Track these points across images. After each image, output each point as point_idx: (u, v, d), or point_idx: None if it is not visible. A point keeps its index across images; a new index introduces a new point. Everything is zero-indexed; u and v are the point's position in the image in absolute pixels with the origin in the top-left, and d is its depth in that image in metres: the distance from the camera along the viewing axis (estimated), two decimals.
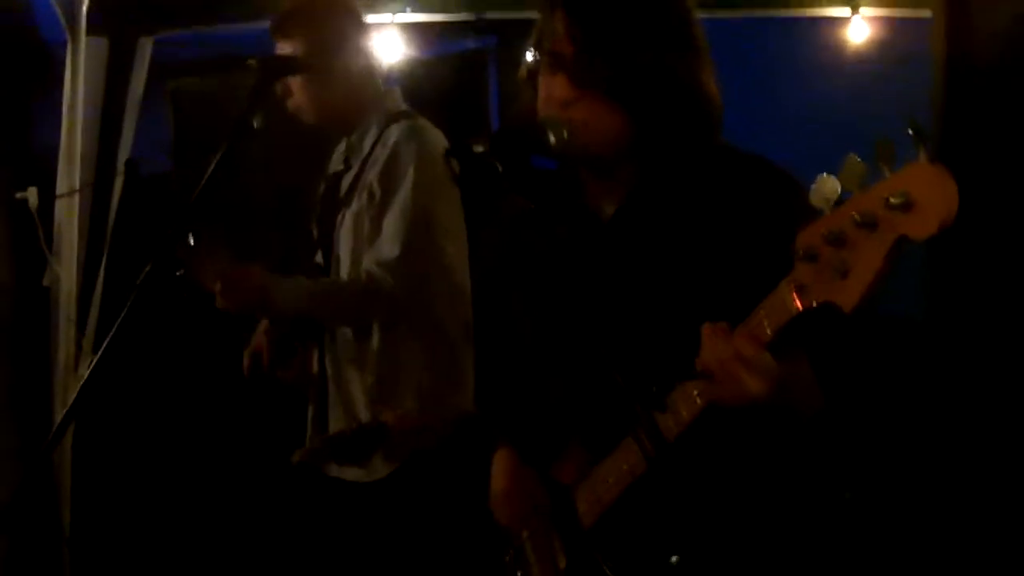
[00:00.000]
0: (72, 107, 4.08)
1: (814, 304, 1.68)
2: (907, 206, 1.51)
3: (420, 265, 3.30)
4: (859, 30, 5.18)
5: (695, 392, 1.88)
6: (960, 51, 3.61)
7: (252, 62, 2.81)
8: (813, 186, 1.64)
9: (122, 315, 2.50)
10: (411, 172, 3.27)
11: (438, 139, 3.36)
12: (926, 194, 1.50)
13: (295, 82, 3.33)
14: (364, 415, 3.35)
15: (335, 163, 3.57)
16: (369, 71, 3.48)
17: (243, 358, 3.49)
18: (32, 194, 4.13)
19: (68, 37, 4.06)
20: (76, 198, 4.07)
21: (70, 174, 4.08)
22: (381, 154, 3.35)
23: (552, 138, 2.03)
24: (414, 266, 3.28)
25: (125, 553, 4.75)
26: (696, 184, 2.03)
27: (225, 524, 4.97)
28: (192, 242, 2.98)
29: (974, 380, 3.67)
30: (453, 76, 5.79)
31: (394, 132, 3.36)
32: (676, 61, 2.02)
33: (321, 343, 3.46)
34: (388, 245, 3.27)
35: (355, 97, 3.42)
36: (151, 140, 4.80)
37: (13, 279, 4.53)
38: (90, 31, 4.04)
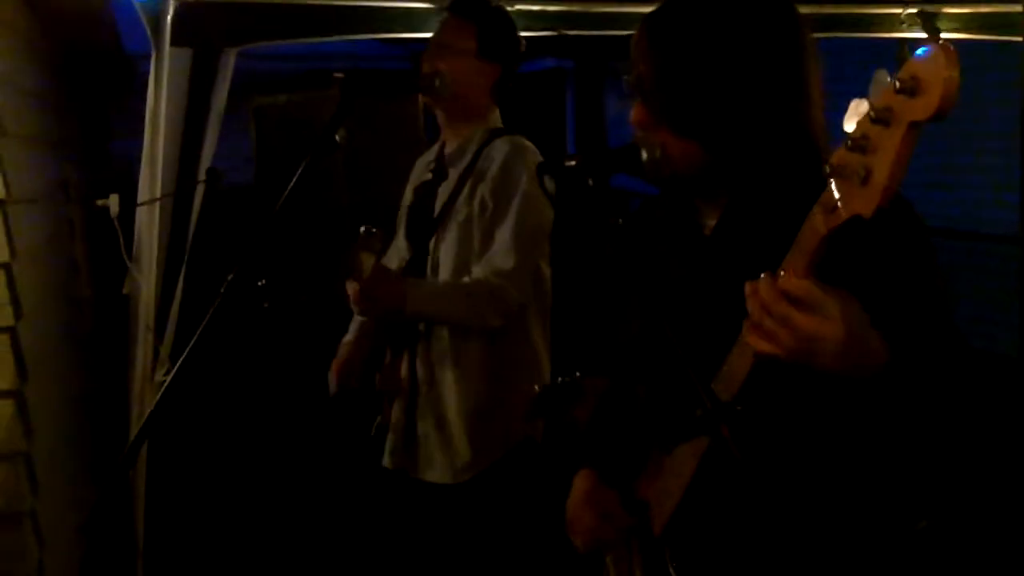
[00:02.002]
0: (155, 117, 4.11)
1: (843, 218, 1.61)
2: (913, 90, 1.49)
3: (528, 278, 3.42)
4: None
5: (746, 348, 1.81)
6: None
7: (338, 75, 2.83)
8: (848, 111, 1.63)
9: (203, 323, 2.51)
10: (523, 187, 3.38)
11: (537, 156, 3.45)
12: (930, 72, 1.48)
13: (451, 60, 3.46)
14: (455, 420, 3.43)
15: (421, 173, 3.66)
16: (480, 86, 3.56)
17: (330, 371, 3.59)
18: (113, 202, 4.17)
19: (152, 48, 4.09)
20: (157, 207, 4.10)
21: (152, 183, 4.11)
22: (489, 167, 3.44)
23: (644, 158, 2.04)
24: (528, 278, 3.42)
25: (203, 562, 4.78)
26: (795, 202, 1.98)
27: (307, 532, 4.99)
28: (364, 233, 3.05)
29: None
30: (532, 94, 5.81)
31: (500, 147, 3.47)
32: (755, 97, 1.99)
33: (413, 349, 3.53)
34: (503, 256, 3.37)
35: (480, 98, 3.55)
36: (233, 151, 4.84)
37: (93, 287, 4.58)
38: (174, 42, 4.06)
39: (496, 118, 3.61)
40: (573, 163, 2.07)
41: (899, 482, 1.99)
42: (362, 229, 3.13)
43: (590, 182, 2.03)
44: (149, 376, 4.16)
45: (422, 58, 3.56)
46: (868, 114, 1.54)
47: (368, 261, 3.15)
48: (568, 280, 3.62)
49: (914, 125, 1.50)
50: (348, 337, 3.68)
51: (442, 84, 3.42)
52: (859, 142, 1.56)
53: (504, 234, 3.38)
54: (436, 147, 3.69)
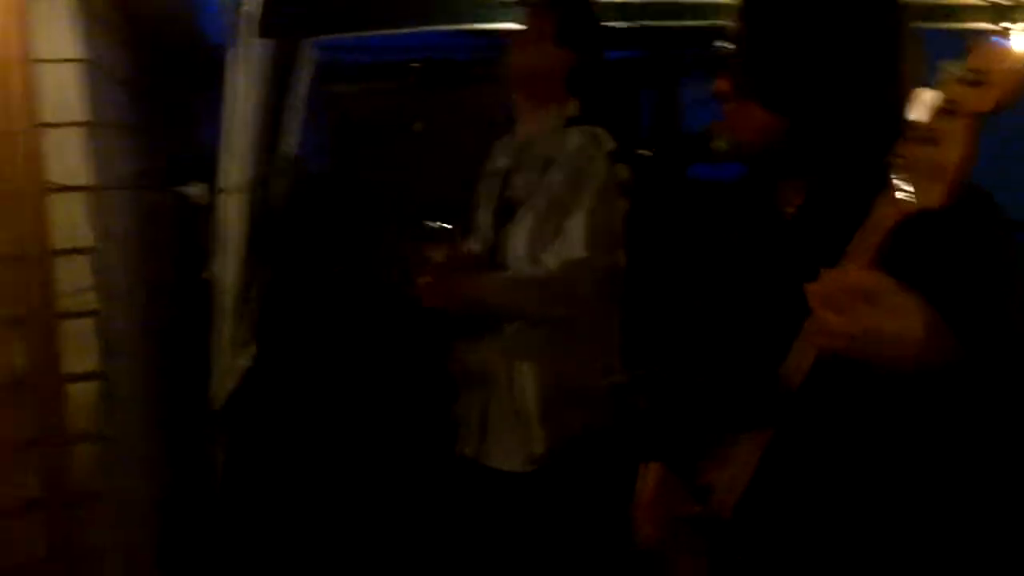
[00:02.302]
0: (235, 106, 4.18)
1: (910, 210, 1.61)
2: (976, 81, 1.50)
3: (600, 268, 3.41)
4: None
5: (808, 343, 1.81)
6: None
7: (415, 66, 2.87)
8: (912, 101, 1.62)
9: (282, 310, 2.57)
10: (596, 177, 3.38)
11: (612, 145, 3.45)
12: (995, 64, 1.50)
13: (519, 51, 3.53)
14: (527, 409, 3.44)
15: (498, 160, 3.68)
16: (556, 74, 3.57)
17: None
18: (196, 189, 4.24)
19: (233, 38, 4.15)
20: (238, 195, 4.17)
21: (232, 171, 4.18)
22: (564, 156, 3.45)
23: (717, 144, 2.05)
24: (596, 269, 3.40)
25: (280, 540, 4.83)
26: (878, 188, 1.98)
27: (380, 517, 5.03)
28: (434, 227, 3.09)
29: None
30: (607, 84, 5.81)
31: (576, 135, 3.48)
32: (847, 73, 1.98)
33: (486, 336, 3.54)
34: (575, 246, 3.37)
35: (551, 87, 3.55)
36: (311, 141, 4.90)
37: (176, 273, 4.66)
38: (255, 33, 4.13)
39: (573, 107, 3.59)
40: (647, 152, 2.07)
41: (966, 479, 1.96)
42: (428, 224, 3.14)
43: (662, 172, 2.03)
44: (229, 361, 4.23)
45: (506, 46, 3.60)
46: (936, 105, 1.55)
47: (437, 254, 3.17)
48: (643, 269, 3.61)
49: (978, 116, 1.51)
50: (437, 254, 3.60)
51: (520, 71, 3.47)
52: (925, 133, 1.57)
53: (577, 224, 3.38)
54: (513, 134, 3.70)
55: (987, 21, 5.17)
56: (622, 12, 4.86)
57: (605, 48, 3.70)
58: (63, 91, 3.39)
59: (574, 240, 3.38)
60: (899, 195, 1.63)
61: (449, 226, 3.16)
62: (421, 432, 4.38)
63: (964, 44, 1.54)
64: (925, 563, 1.99)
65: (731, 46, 2.06)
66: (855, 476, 1.98)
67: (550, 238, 3.43)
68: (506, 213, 3.55)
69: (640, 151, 2.11)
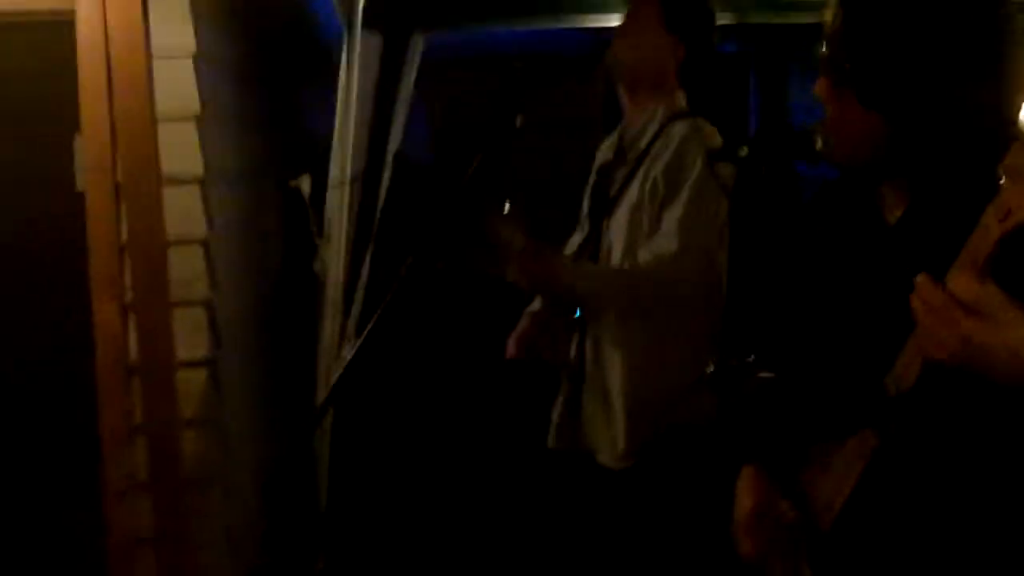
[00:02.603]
0: (346, 100, 4.23)
1: (1016, 223, 1.55)
2: None
3: (697, 263, 3.34)
4: None
5: (915, 353, 1.76)
6: None
7: (517, 63, 2.88)
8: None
9: (384, 302, 2.60)
10: (695, 172, 3.31)
11: (716, 140, 3.39)
12: None
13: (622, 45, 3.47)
14: (618, 401, 3.41)
15: (604, 154, 3.64)
16: (665, 65, 3.52)
17: (507, 342, 3.59)
18: (305, 182, 4.30)
19: (345, 32, 4.20)
20: (346, 188, 4.21)
21: (342, 164, 4.23)
22: (664, 150, 3.39)
23: (819, 144, 2.02)
24: (692, 263, 3.33)
25: (378, 530, 4.88)
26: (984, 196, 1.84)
27: (478, 504, 5.06)
28: (506, 210, 3.10)
29: None
30: (714, 78, 5.78)
31: (678, 129, 3.41)
32: (947, 71, 1.90)
33: (583, 327, 3.51)
34: (668, 240, 3.31)
35: (657, 78, 3.50)
36: (417, 134, 4.93)
37: (284, 263, 4.73)
38: (366, 25, 4.17)
39: (680, 99, 3.53)
40: (746, 150, 2.06)
41: None
42: (507, 205, 3.15)
43: (763, 170, 2.01)
44: (336, 351, 4.28)
45: (614, 37, 3.54)
46: None
47: (515, 234, 3.17)
48: (743, 268, 3.57)
49: None
50: (533, 307, 3.66)
51: (627, 60, 3.45)
52: None
53: (672, 218, 3.32)
54: (619, 128, 3.64)
55: None
56: (730, 5, 4.85)
57: (716, 38, 3.63)
58: (178, 84, 3.47)
59: (668, 235, 3.32)
60: (1006, 205, 1.57)
61: (514, 208, 3.15)
62: (520, 424, 4.40)
63: None
64: None
65: (827, 47, 2.03)
66: (962, 491, 1.91)
67: (645, 232, 3.38)
68: (605, 206, 3.52)
69: (739, 150, 2.07)
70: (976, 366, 1.65)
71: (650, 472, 3.40)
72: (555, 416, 3.62)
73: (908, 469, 1.90)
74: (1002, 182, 1.58)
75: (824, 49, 2.02)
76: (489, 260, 3.25)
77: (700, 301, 3.41)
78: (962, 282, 1.64)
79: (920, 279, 1.70)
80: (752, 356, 2.67)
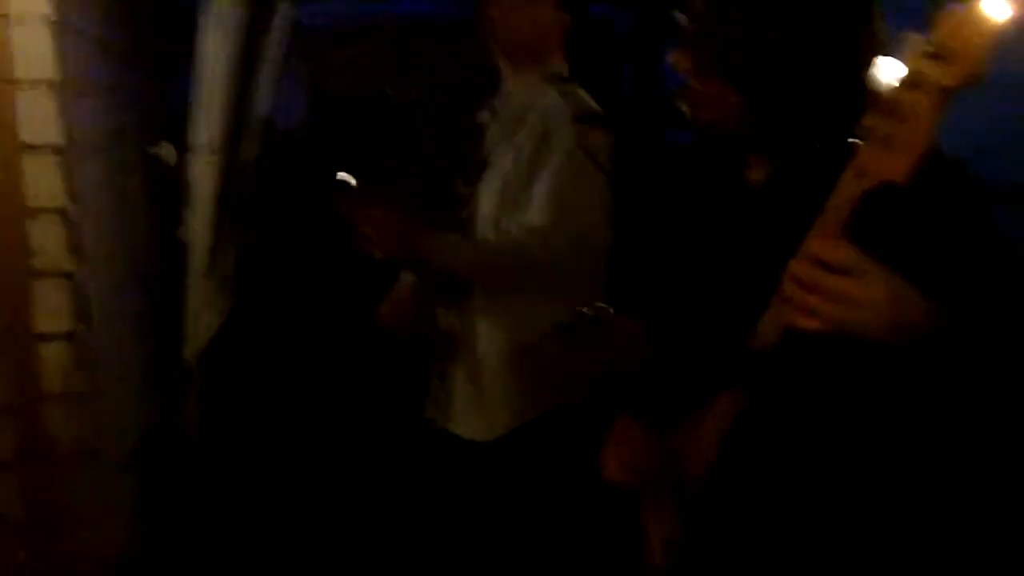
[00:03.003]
0: (207, 67, 4.16)
1: (873, 183, 1.60)
2: (943, 55, 1.49)
3: (565, 233, 3.29)
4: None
5: (781, 317, 1.79)
6: None
7: (387, 28, 2.84)
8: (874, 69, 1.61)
9: (254, 271, 2.57)
10: (565, 142, 3.26)
11: (590, 107, 3.36)
12: (960, 38, 1.48)
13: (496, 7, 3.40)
14: (488, 376, 3.40)
15: (483, 118, 3.59)
16: (546, 30, 3.47)
17: (380, 309, 3.55)
18: (167, 149, 4.24)
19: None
20: (207, 156, 4.16)
21: (204, 132, 4.18)
22: (534, 117, 3.35)
23: (686, 110, 2.04)
24: (560, 234, 3.27)
25: (247, 503, 4.85)
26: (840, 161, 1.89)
27: (344, 476, 5.05)
28: (354, 184, 3.05)
29: None
30: (588, 42, 5.79)
31: (551, 97, 3.37)
32: (809, 50, 1.93)
33: (457, 299, 3.48)
34: (538, 212, 3.27)
35: (536, 42, 3.44)
36: (286, 103, 4.88)
37: (148, 232, 4.65)
38: None
39: (557, 64, 3.48)
40: (611, 115, 2.07)
41: (943, 455, 1.94)
42: (352, 181, 3.09)
43: (629, 133, 2.02)
44: (202, 319, 4.23)
45: (483, 3, 3.46)
46: (900, 80, 1.53)
47: (366, 210, 3.13)
48: (623, 235, 3.56)
49: (945, 92, 1.50)
50: (406, 277, 3.59)
51: (512, 34, 3.40)
52: (889, 106, 1.55)
53: (541, 190, 3.27)
54: (499, 92, 3.57)
55: None
56: None
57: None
58: (34, 48, 3.38)
59: (536, 207, 3.28)
60: (863, 167, 1.61)
61: (351, 179, 3.09)
62: (394, 395, 4.39)
63: (931, 11, 1.52)
64: (897, 537, 1.98)
65: (687, 18, 2.04)
66: (823, 448, 1.96)
67: (515, 202, 3.34)
68: (478, 171, 3.48)
69: (607, 114, 2.08)
70: (846, 328, 1.67)
71: (521, 447, 3.39)
72: (432, 387, 3.59)
73: (770, 431, 1.94)
74: (858, 147, 1.61)
75: (684, 21, 2.03)
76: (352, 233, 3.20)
77: (575, 274, 3.37)
78: (823, 244, 1.67)
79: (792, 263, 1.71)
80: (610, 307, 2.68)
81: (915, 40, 1.53)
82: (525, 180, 3.32)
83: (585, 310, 2.68)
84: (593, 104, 3.38)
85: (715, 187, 2.21)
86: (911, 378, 1.75)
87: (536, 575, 3.40)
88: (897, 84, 1.55)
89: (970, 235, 1.88)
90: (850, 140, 1.66)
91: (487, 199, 3.41)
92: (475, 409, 3.46)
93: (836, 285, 1.65)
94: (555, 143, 3.28)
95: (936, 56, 1.49)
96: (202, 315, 4.24)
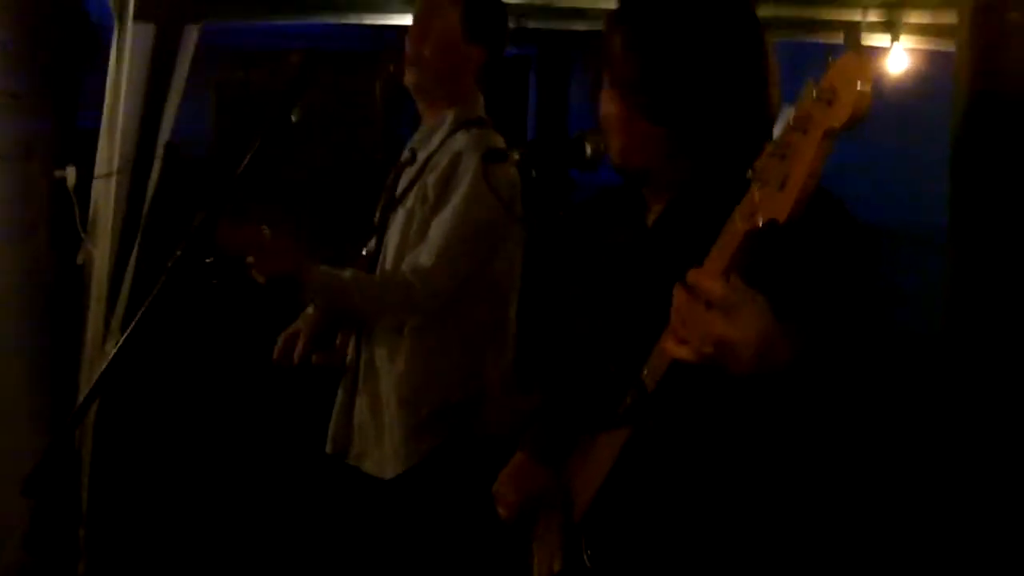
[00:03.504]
0: (115, 90, 4.14)
1: (758, 223, 1.65)
2: (829, 98, 1.54)
3: (453, 278, 3.31)
4: (898, 60, 5.26)
5: (664, 348, 1.85)
6: (982, 86, 3.61)
7: (294, 57, 2.84)
8: (779, 118, 1.66)
9: (151, 297, 2.55)
10: (466, 185, 3.28)
11: (497, 143, 3.37)
12: (845, 81, 1.53)
13: (426, 38, 3.41)
14: (391, 408, 3.39)
15: (405, 152, 3.58)
16: (464, 70, 3.49)
17: (277, 341, 3.51)
18: (70, 173, 4.18)
19: (115, 21, 4.10)
20: (113, 180, 4.12)
21: (109, 156, 4.14)
22: (443, 159, 3.37)
23: (588, 151, 2.07)
24: (445, 279, 3.30)
25: (142, 535, 4.80)
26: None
27: (246, 510, 5.01)
28: (232, 212, 3.02)
29: (992, 397, 3.65)
30: (493, 81, 5.82)
31: (460, 138, 3.39)
32: (729, 91, 2.02)
33: (359, 333, 3.50)
34: (426, 254, 3.29)
35: (452, 82, 3.45)
36: (192, 127, 4.86)
37: (49, 257, 4.59)
38: (138, 16, 4.08)
39: (475, 104, 3.50)
40: (517, 154, 2.10)
41: (814, 474, 2.02)
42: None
43: (533, 173, 2.05)
44: (100, 346, 4.18)
45: (406, 38, 3.46)
46: (789, 121, 1.59)
47: (251, 239, 3.10)
48: (532, 274, 3.59)
49: (829, 133, 1.55)
50: (309, 310, 3.57)
51: (421, 68, 3.40)
52: (780, 148, 1.61)
53: (435, 231, 3.30)
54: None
55: (867, 36, 5.31)
56: (512, 10, 4.89)
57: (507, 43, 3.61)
58: None
59: (428, 247, 3.30)
60: (752, 207, 1.67)
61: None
62: (293, 427, 4.37)
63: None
64: (770, 561, 2.04)
65: (611, 64, 2.09)
66: (702, 478, 2.02)
67: (414, 240, 3.36)
68: (391, 205, 3.50)
69: (512, 153, 2.11)
70: (720, 361, 1.75)
71: (419, 480, 3.38)
72: (332, 421, 3.58)
73: (654, 461, 1.98)
74: (752, 186, 1.67)
75: (609, 65, 2.08)
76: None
77: (470, 312, 3.41)
78: (706, 280, 1.73)
79: (676, 287, 1.78)
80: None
81: (808, 85, 1.58)
82: (423, 221, 3.35)
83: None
84: (501, 143, 3.37)
85: (617, 225, 2.26)
86: (774, 405, 1.83)
87: None
88: (788, 127, 1.60)
89: (843, 271, 1.96)
90: (740, 178, 1.71)
91: (393, 236, 3.43)
92: (375, 445, 3.44)
93: (707, 321, 1.72)
94: (455, 185, 3.31)
95: (822, 99, 1.54)
96: (99, 343, 4.18)
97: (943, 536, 3.76)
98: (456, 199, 3.29)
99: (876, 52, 5.35)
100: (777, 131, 1.68)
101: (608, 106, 2.11)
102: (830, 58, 1.57)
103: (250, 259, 3.10)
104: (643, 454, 1.99)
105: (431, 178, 3.36)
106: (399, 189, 3.50)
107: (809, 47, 5.65)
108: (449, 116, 3.46)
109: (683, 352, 1.77)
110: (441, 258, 3.27)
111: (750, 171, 1.67)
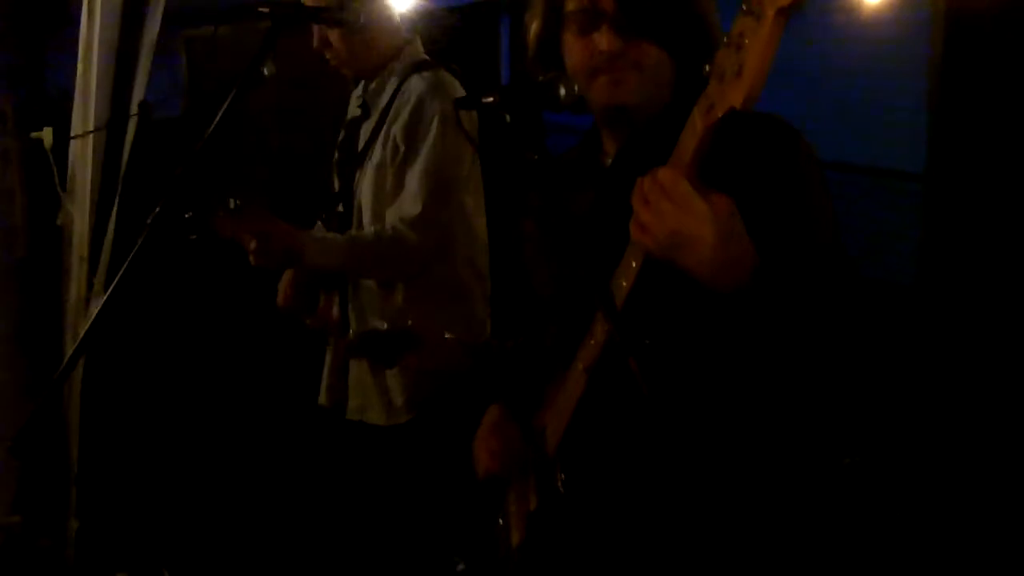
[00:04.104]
0: (88, 50, 4.13)
1: (718, 114, 1.66)
2: None
3: (442, 220, 3.37)
4: None
5: (631, 254, 1.89)
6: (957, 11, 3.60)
7: (264, 9, 2.83)
8: None
9: (132, 253, 2.56)
10: (434, 128, 3.31)
11: (458, 92, 3.39)
12: None
13: (330, 34, 3.38)
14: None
15: (352, 109, 3.60)
16: (391, 19, 3.49)
17: (278, 293, 3.53)
18: (47, 134, 4.19)
19: None
20: (90, 139, 4.12)
21: (85, 116, 4.14)
22: (403, 106, 3.38)
23: (562, 93, 2.08)
24: (436, 221, 3.35)
25: (133, 493, 4.82)
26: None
27: (240, 465, 5.02)
28: (232, 206, 3.05)
29: (963, 349, 3.68)
30: (465, 27, 5.82)
31: (416, 84, 3.39)
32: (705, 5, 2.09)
33: (344, 291, 3.52)
34: (411, 202, 3.32)
35: (379, 44, 3.45)
36: (165, 85, 4.85)
37: (27, 219, 4.59)
38: None
39: (415, 47, 3.53)
40: (491, 99, 2.10)
41: (779, 403, 2.05)
42: (231, 203, 3.09)
43: (508, 118, 2.06)
44: (83, 307, 4.19)
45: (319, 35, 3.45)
46: (742, 7, 1.60)
47: (245, 226, 3.12)
48: (493, 218, 3.61)
49: (780, 12, 1.55)
50: (286, 273, 3.58)
51: (339, 57, 3.42)
52: (734, 39, 1.62)
53: (413, 178, 3.33)
54: (363, 82, 3.59)
55: None
56: None
57: None
58: None
59: (410, 196, 3.33)
60: (710, 101, 1.68)
61: (239, 203, 3.08)
62: (286, 382, 4.38)
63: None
64: (737, 495, 2.06)
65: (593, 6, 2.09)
66: (673, 398, 1.99)
67: (389, 192, 3.39)
68: (354, 162, 3.51)
69: (483, 97, 2.11)
70: (673, 255, 1.77)
71: (419, 428, 3.44)
72: (324, 375, 3.62)
73: (623, 384, 1.99)
74: (710, 81, 1.69)
75: (602, 4, 2.08)
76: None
77: (458, 255, 3.48)
78: (665, 173, 1.76)
79: (639, 179, 1.80)
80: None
81: None
82: (397, 170, 3.37)
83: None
84: (460, 88, 3.41)
85: (577, 170, 2.28)
86: (739, 323, 1.84)
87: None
88: (741, 15, 1.61)
89: (810, 184, 2.02)
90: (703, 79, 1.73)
91: (365, 190, 3.45)
92: (377, 397, 3.48)
93: (665, 209, 1.74)
94: (423, 132, 3.33)
95: None
96: (82, 303, 4.20)
97: (913, 491, 3.79)
98: (427, 145, 3.32)
99: None
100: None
101: (592, 44, 2.09)
102: None
103: (251, 246, 3.13)
104: (612, 377, 2.01)
105: (396, 128, 3.38)
106: (360, 145, 3.51)
107: None
108: (396, 66, 3.47)
109: (645, 239, 1.78)
110: (427, 204, 3.31)
111: (706, 67, 1.69)
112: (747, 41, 1.59)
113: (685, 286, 1.81)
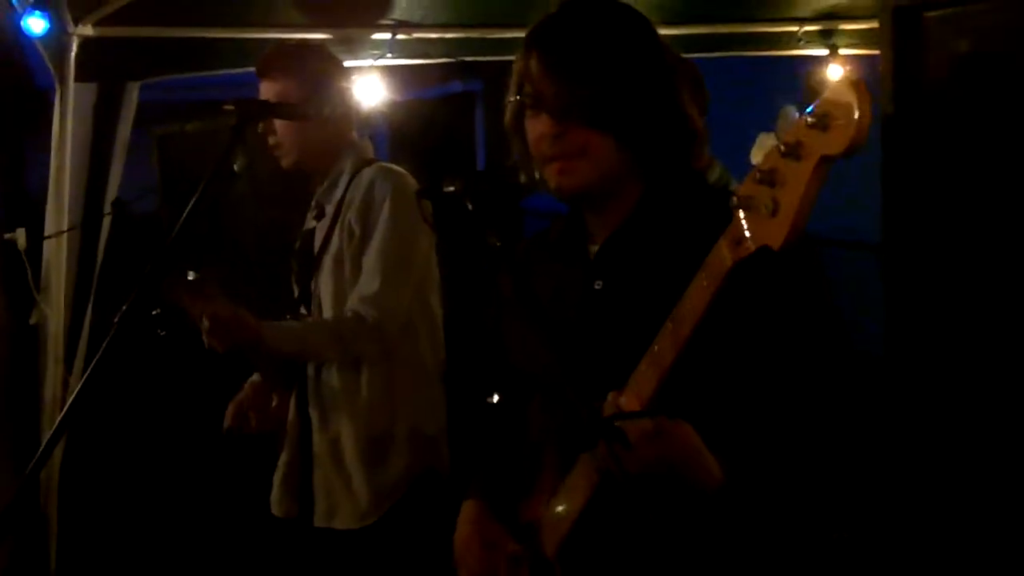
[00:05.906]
0: (61, 150, 4.15)
1: (751, 249, 1.66)
2: (824, 125, 1.54)
3: (401, 297, 3.34)
4: (835, 70, 5.32)
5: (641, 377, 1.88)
6: (904, 83, 3.62)
7: (229, 106, 2.85)
8: (754, 145, 1.67)
9: (100, 351, 2.55)
10: (387, 207, 3.32)
11: (410, 180, 3.41)
12: (841, 108, 1.53)
13: (277, 123, 3.39)
14: (353, 462, 3.36)
15: (308, 220, 3.58)
16: (347, 118, 3.52)
17: (227, 407, 3.49)
18: (20, 235, 4.21)
19: (57, 83, 4.13)
20: (64, 239, 4.14)
21: (58, 216, 4.15)
22: (356, 194, 3.38)
23: (523, 177, 2.08)
24: (395, 299, 3.33)
25: None
26: (676, 219, 2.05)
27: (208, 560, 4.98)
28: (190, 278, 3.04)
29: (934, 416, 3.66)
30: (441, 118, 5.88)
31: (367, 173, 3.41)
32: (652, 83, 2.05)
33: (302, 390, 3.47)
34: (368, 280, 3.31)
35: (332, 142, 3.47)
36: (138, 182, 4.88)
37: (8, 318, 4.59)
38: (79, 77, 4.11)
39: (367, 151, 3.55)
40: (452, 188, 2.10)
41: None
42: (190, 275, 3.09)
43: (469, 206, 2.04)
44: (59, 407, 4.17)
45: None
46: (778, 148, 1.58)
47: (201, 302, 3.11)
48: (455, 303, 3.60)
49: (825, 160, 1.55)
50: (254, 377, 3.57)
51: (284, 149, 3.43)
52: (768, 175, 1.61)
53: (369, 258, 3.32)
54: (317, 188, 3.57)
55: (804, 48, 5.35)
56: (452, 46, 4.95)
57: (435, 84, 3.62)
58: None
59: (367, 275, 3.32)
60: (740, 235, 1.67)
61: (197, 275, 3.08)
62: (242, 490, 4.35)
63: (800, 82, 1.60)
64: None
65: (531, 87, 2.09)
66: (681, 514, 2.00)
67: (351, 280, 3.37)
68: (311, 266, 3.49)
69: (444, 186, 2.10)
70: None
71: (392, 526, 3.37)
72: (277, 483, 3.54)
73: (631, 497, 1.97)
74: (737, 213, 1.68)
75: (531, 88, 2.09)
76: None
77: (417, 336, 3.44)
78: (630, 419, 1.82)
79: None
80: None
81: (791, 112, 1.60)
82: (354, 257, 3.36)
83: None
84: (409, 179, 3.42)
85: (559, 255, 2.26)
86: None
87: None
88: (776, 153, 1.60)
89: (820, 314, 2.01)
90: (723, 207, 1.72)
91: (325, 284, 3.43)
92: (345, 499, 3.39)
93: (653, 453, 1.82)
94: (376, 214, 3.34)
95: (817, 126, 1.55)
96: (58, 402, 4.18)
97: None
98: (381, 227, 3.32)
99: (813, 62, 5.42)
100: (755, 159, 1.68)
101: (536, 129, 2.09)
102: (811, 81, 1.58)
103: (206, 327, 3.10)
104: (619, 493, 1.98)
105: (351, 214, 3.37)
106: (317, 244, 3.49)
107: (748, 62, 5.71)
108: (346, 164, 3.47)
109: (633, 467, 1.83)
110: (385, 281, 3.30)
111: (733, 198, 1.67)
112: (787, 182, 1.59)
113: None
